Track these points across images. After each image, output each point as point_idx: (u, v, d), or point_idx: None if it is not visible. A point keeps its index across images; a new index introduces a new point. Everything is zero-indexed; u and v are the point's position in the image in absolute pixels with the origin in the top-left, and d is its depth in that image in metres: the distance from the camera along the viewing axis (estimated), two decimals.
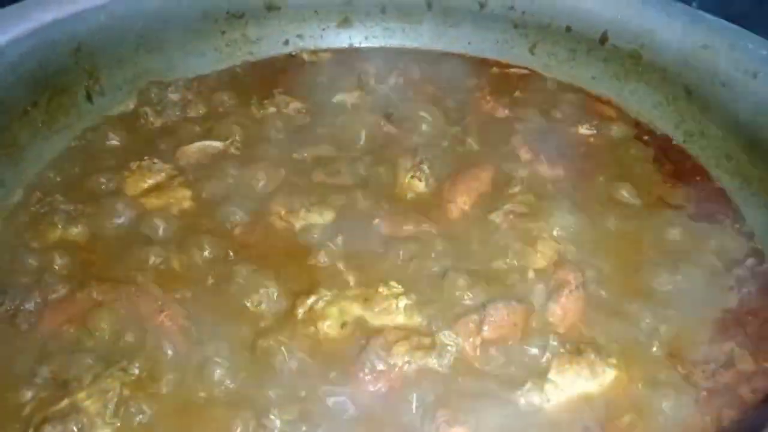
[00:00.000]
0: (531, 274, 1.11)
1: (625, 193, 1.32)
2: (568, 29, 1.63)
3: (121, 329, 1.02)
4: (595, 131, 1.48)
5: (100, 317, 1.03)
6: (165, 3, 1.55)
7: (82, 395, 0.92)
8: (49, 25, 1.33)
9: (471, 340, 0.99)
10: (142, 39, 1.53)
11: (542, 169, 1.37)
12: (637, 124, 1.54)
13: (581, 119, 1.52)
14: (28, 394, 0.94)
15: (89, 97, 1.45)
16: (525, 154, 1.41)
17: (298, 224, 1.23)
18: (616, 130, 1.51)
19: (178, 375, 0.97)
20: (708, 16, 1.41)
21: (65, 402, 0.91)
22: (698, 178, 1.38)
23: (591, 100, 1.61)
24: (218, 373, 0.95)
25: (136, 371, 0.96)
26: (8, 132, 1.28)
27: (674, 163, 1.43)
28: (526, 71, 1.71)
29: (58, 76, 1.37)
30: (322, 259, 1.16)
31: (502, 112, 1.55)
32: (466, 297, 1.06)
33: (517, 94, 1.61)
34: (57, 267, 1.13)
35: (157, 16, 1.54)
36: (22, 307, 1.06)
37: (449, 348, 0.98)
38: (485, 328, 0.99)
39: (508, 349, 0.99)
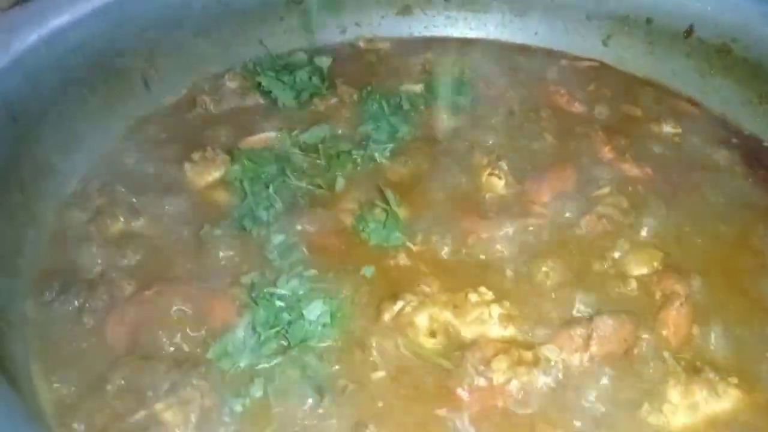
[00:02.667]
0: (633, 283, 1.03)
1: (721, 197, 1.23)
2: (649, 21, 1.53)
3: (196, 332, 0.95)
4: (680, 130, 1.39)
5: (170, 318, 0.96)
6: None
7: (160, 406, 0.85)
8: (111, 5, 1.26)
9: (577, 355, 0.91)
10: (200, 24, 1.45)
11: (628, 168, 1.29)
12: (722, 123, 1.45)
13: (663, 117, 1.43)
14: (101, 402, 0.87)
15: (146, 84, 1.37)
16: (608, 153, 1.33)
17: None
18: (700, 128, 1.42)
19: (259, 382, 0.89)
20: None
21: (142, 413, 0.84)
22: None
23: (671, 97, 1.52)
24: (306, 387, 0.88)
25: (217, 379, 0.88)
26: (66, 119, 1.20)
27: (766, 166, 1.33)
28: (597, 64, 1.62)
29: (117, 60, 1.30)
30: (402, 260, 1.08)
31: (578, 107, 1.47)
32: (566, 307, 0.98)
33: (591, 87, 1.52)
34: (122, 262, 1.06)
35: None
36: (87, 305, 0.99)
37: (554, 364, 0.90)
38: (593, 342, 0.91)
39: (618, 366, 0.90)
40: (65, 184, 1.19)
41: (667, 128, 1.40)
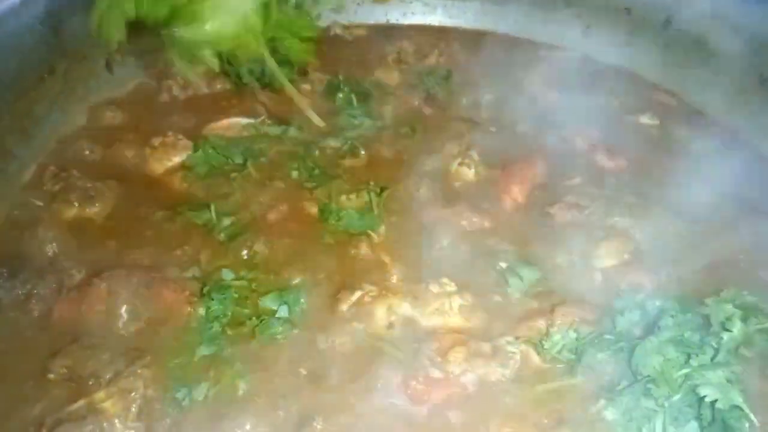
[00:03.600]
0: (599, 275, 1.00)
1: (694, 190, 1.20)
2: (628, 11, 1.50)
3: (144, 321, 0.91)
4: (657, 121, 1.36)
5: (119, 307, 0.92)
6: None
7: (100, 395, 0.82)
8: None
9: (537, 347, 0.88)
10: None
11: (601, 159, 1.26)
12: (700, 115, 1.42)
13: (641, 108, 1.40)
14: (40, 392, 0.84)
15: (109, 67, 1.33)
16: (582, 143, 1.30)
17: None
18: (678, 120, 1.39)
19: (208, 372, 0.86)
20: None
21: (82, 402, 0.81)
22: None
23: (649, 88, 1.49)
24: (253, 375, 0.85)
25: (163, 370, 0.85)
26: (23, 101, 1.17)
27: (744, 160, 1.30)
28: (576, 54, 1.58)
29: (78, 41, 1.26)
30: (363, 249, 1.05)
31: (555, 97, 1.43)
32: (528, 298, 0.95)
33: (569, 78, 1.49)
34: (73, 249, 1.02)
35: None
36: (34, 292, 0.96)
37: (512, 356, 0.87)
38: (553, 334, 0.88)
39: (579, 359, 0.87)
40: (21, 169, 1.16)
41: (644, 119, 1.38)
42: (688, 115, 1.41)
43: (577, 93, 1.44)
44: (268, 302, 0.94)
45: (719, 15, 1.36)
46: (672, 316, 0.82)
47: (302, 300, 0.95)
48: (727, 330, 0.83)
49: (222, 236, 1.04)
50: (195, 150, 1.18)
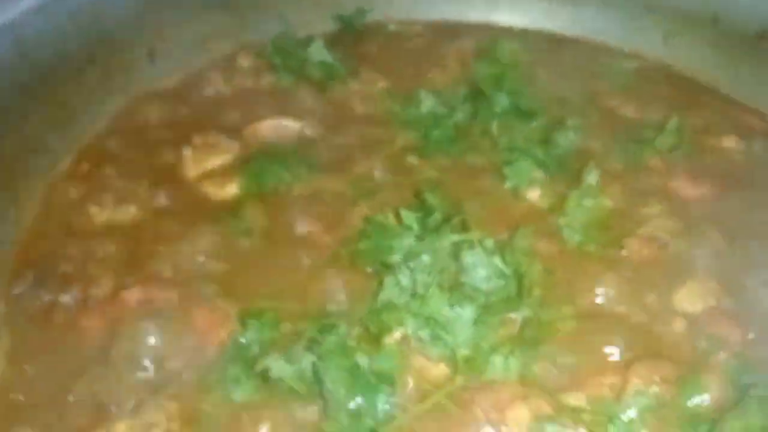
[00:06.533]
0: (681, 324, 0.88)
1: None
2: (715, 21, 1.36)
3: (173, 345, 0.84)
4: (743, 146, 1.22)
5: (148, 327, 0.85)
6: None
7: (121, 426, 0.75)
8: None
9: (608, 406, 0.77)
10: None
11: (681, 186, 1.13)
12: None
13: (725, 129, 1.26)
14: (59, 414, 0.78)
15: (151, 56, 1.26)
16: (658, 164, 1.17)
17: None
18: (765, 145, 1.25)
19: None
20: None
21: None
22: None
23: (734, 108, 1.34)
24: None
25: (190, 402, 0.77)
26: (60, 90, 1.11)
27: None
28: (655, 64, 1.45)
29: (120, 29, 1.19)
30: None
31: (629, 111, 1.30)
32: (599, 345, 0.84)
33: (646, 90, 1.35)
34: (102, 256, 0.96)
35: None
36: (60, 301, 0.89)
37: (579, 414, 0.77)
38: (627, 393, 0.77)
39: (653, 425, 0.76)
40: (54, 163, 1.11)
41: (729, 143, 1.23)
42: None
43: (655, 107, 1.30)
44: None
45: None
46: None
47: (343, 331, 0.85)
48: None
49: (258, 251, 0.95)
50: (246, 165, 1.09)
